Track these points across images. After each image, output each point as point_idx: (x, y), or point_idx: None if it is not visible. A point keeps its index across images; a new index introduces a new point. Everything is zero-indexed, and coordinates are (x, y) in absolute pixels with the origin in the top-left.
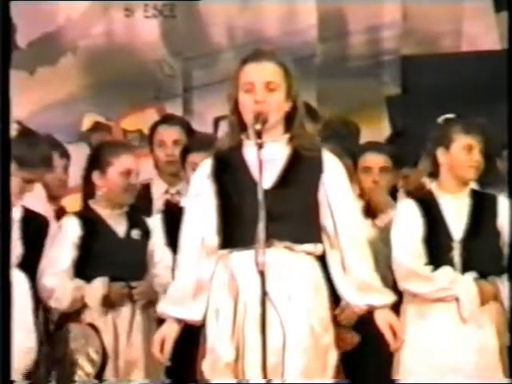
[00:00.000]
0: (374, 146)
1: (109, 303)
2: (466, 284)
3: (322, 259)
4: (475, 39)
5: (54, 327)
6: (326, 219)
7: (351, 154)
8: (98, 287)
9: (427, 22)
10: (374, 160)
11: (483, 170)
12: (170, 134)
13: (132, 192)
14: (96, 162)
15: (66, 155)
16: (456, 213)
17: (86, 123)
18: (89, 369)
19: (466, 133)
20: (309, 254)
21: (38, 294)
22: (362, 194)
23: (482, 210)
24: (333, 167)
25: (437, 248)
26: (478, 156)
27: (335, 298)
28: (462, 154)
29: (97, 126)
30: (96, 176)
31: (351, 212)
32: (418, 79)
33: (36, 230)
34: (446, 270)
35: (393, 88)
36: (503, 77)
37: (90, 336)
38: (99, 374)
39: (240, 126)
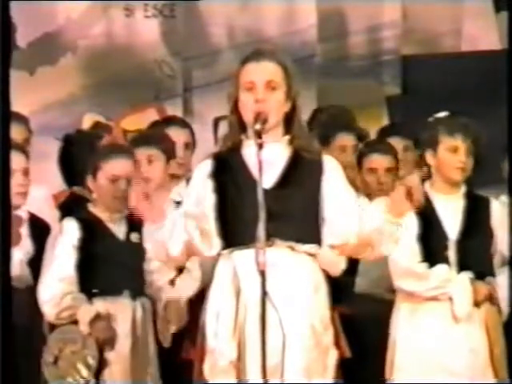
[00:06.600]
0: (379, 147)
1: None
2: (460, 283)
3: None
4: (475, 39)
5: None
6: (326, 214)
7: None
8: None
9: (427, 22)
10: (379, 161)
11: (482, 170)
12: (180, 137)
13: (121, 199)
14: (88, 165)
15: None
16: (450, 213)
17: (86, 123)
18: (84, 373)
19: (451, 134)
20: (310, 254)
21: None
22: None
23: (476, 211)
24: (333, 169)
25: (432, 247)
26: (464, 157)
27: (335, 298)
28: (447, 155)
29: (97, 126)
30: (89, 180)
31: (352, 207)
32: (417, 79)
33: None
34: (440, 268)
35: (393, 88)
36: (503, 77)
37: (88, 340)
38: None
39: (240, 126)
